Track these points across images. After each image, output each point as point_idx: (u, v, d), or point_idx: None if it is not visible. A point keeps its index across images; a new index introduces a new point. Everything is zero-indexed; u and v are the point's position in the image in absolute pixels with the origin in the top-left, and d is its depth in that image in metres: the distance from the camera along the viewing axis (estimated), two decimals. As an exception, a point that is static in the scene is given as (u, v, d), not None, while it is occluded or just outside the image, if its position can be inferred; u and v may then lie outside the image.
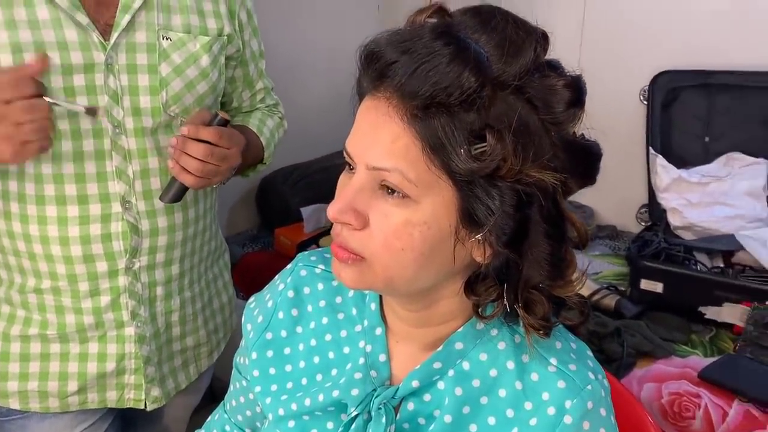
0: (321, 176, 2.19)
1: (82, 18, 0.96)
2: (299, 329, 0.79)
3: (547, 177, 0.59)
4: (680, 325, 1.54)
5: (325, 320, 0.78)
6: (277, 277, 0.84)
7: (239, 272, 1.93)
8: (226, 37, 1.12)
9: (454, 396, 0.69)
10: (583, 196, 2.10)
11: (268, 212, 2.16)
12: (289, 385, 0.78)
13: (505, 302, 0.65)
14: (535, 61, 0.60)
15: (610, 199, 2.06)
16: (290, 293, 0.80)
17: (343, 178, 0.66)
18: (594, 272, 1.79)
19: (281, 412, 0.77)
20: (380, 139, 0.60)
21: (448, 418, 0.69)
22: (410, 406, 0.72)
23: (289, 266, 0.83)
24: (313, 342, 0.78)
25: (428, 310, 0.70)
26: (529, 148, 0.59)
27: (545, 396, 0.67)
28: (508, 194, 0.59)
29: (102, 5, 0.99)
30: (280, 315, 0.80)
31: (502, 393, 0.69)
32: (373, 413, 0.71)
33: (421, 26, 0.61)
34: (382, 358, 0.73)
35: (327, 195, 2.45)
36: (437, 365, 0.70)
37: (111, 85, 1.00)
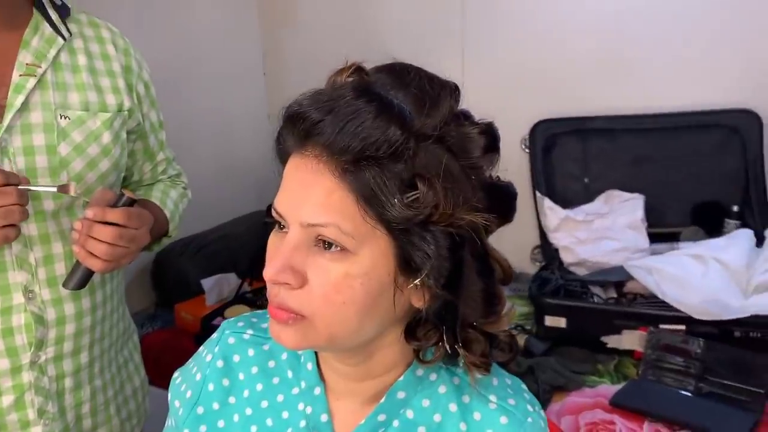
0: (218, 245, 2.14)
1: None
2: (232, 399, 0.76)
3: (477, 218, 0.61)
4: (586, 357, 1.60)
5: (259, 386, 0.76)
6: (202, 347, 0.80)
7: (141, 354, 1.83)
8: (126, 112, 1.09)
9: None
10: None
11: (165, 287, 2.07)
12: None
13: (446, 344, 0.66)
14: (451, 112, 0.63)
15: (505, 243, 2.10)
16: (219, 363, 0.77)
17: (273, 239, 0.65)
18: (499, 315, 1.84)
19: None
20: (313, 195, 0.60)
21: None
22: None
23: (215, 335, 0.80)
24: (248, 411, 0.75)
25: (368, 363, 0.69)
26: (456, 192, 0.61)
27: None
28: (442, 238, 0.61)
29: None
30: (210, 387, 0.77)
31: None
32: None
33: (341, 86, 0.62)
34: (324, 418, 0.72)
35: (226, 264, 2.41)
36: (381, 417, 0.70)
37: (6, 169, 0.94)
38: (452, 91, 0.64)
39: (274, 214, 0.64)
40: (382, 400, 0.70)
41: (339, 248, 0.61)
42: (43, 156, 0.98)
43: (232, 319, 0.80)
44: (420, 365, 0.70)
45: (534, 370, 1.50)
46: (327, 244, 0.61)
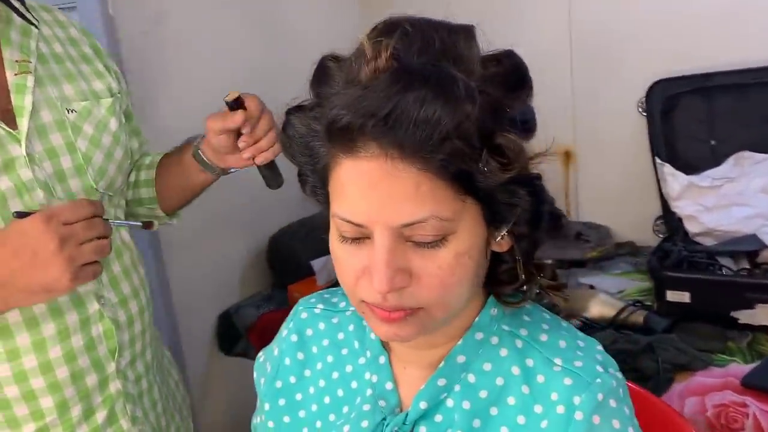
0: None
1: None
2: (308, 372, 0.79)
3: (543, 154, 0.63)
4: (714, 334, 1.47)
5: (330, 359, 0.78)
6: (282, 326, 0.82)
7: (257, 333, 1.90)
8: (119, 94, 1.06)
9: (463, 411, 0.68)
10: (598, 216, 2.07)
11: (279, 270, 2.14)
12: (305, 430, 0.77)
13: (521, 275, 0.67)
14: (479, 57, 0.62)
15: (625, 215, 2.03)
16: (293, 337, 0.80)
17: (343, 250, 0.63)
18: (618, 290, 1.74)
19: None
20: (399, 194, 0.57)
21: None
22: (422, 430, 0.70)
23: (291, 312, 0.81)
24: (321, 383, 0.77)
25: (441, 329, 0.68)
26: (520, 136, 0.61)
27: (554, 396, 0.65)
28: (525, 184, 0.61)
29: None
30: (287, 361, 0.80)
31: (511, 401, 0.67)
32: None
33: (379, 79, 0.58)
34: (389, 386, 0.72)
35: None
36: (441, 382, 0.69)
37: (39, 177, 0.90)
38: (472, 33, 0.63)
39: (345, 225, 0.60)
40: (441, 364, 0.69)
41: (440, 237, 0.60)
42: (66, 156, 0.94)
43: (306, 296, 0.81)
44: (504, 306, 0.69)
45: (654, 348, 1.40)
46: (426, 244, 0.60)
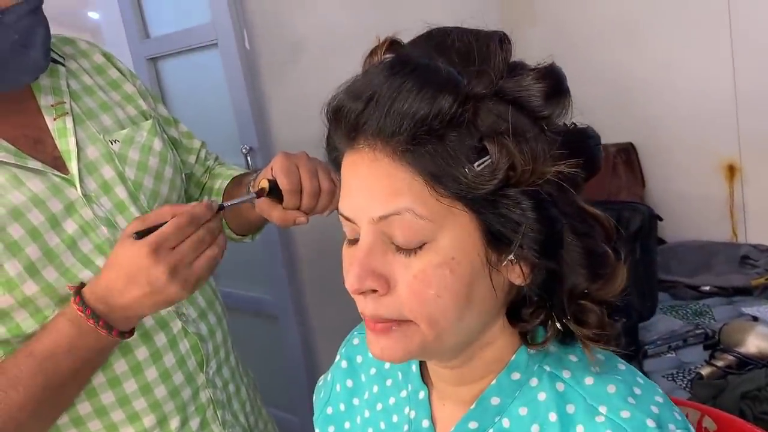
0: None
1: (35, 163, 0.88)
2: (356, 401, 0.76)
3: (561, 168, 0.54)
4: None
5: (375, 389, 0.75)
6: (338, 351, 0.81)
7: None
8: (153, 117, 1.06)
9: None
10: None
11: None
12: None
13: (555, 320, 0.59)
14: (505, 62, 0.57)
15: None
16: (344, 364, 0.78)
17: (346, 251, 0.61)
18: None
19: None
20: (377, 185, 0.56)
21: None
22: None
23: (346, 338, 0.80)
24: (366, 413, 0.74)
25: (469, 364, 0.63)
26: (532, 146, 0.54)
27: None
28: (526, 199, 0.54)
29: (38, 142, 0.91)
30: (338, 388, 0.78)
31: None
32: None
33: (377, 67, 0.57)
34: (425, 423, 0.67)
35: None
36: (473, 425, 0.63)
37: (99, 214, 0.92)
38: (501, 39, 0.58)
39: (342, 221, 0.60)
40: (473, 406, 0.62)
41: (419, 244, 0.55)
42: (120, 186, 0.95)
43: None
44: (529, 348, 0.61)
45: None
46: (406, 250, 0.56)
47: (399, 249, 0.56)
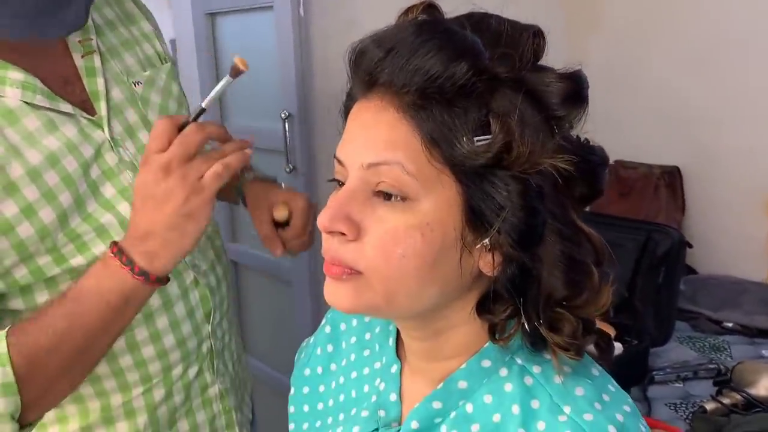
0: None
1: (66, 106, 0.86)
2: (333, 366, 0.77)
3: (557, 162, 0.53)
4: None
5: (353, 357, 0.75)
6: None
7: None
8: (169, 60, 1.03)
9: None
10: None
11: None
12: (318, 423, 0.76)
13: (523, 321, 0.56)
14: (533, 55, 0.57)
15: None
16: (327, 329, 0.79)
17: (332, 195, 0.61)
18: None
19: None
20: (375, 132, 0.56)
21: None
22: None
23: None
24: (341, 380, 0.75)
25: (438, 340, 0.62)
26: (534, 138, 0.54)
27: None
28: (516, 185, 0.53)
29: (68, 82, 0.89)
30: (318, 351, 0.79)
31: None
32: None
33: (409, 22, 0.57)
34: (393, 397, 0.67)
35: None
36: (437, 405, 0.62)
37: (125, 159, 0.90)
38: (536, 33, 0.57)
39: (335, 164, 0.60)
40: (439, 386, 0.62)
41: (399, 198, 0.55)
42: (143, 131, 0.93)
43: None
44: (494, 345, 0.60)
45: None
46: (386, 195, 0.56)
47: (379, 196, 0.56)
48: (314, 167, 1.94)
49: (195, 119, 0.82)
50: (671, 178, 2.05)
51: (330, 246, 0.58)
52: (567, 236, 0.55)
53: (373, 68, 0.56)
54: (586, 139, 0.59)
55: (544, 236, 0.55)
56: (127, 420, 0.96)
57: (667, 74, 2.02)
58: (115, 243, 0.80)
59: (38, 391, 0.79)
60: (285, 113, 1.89)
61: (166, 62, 1.03)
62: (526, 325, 0.56)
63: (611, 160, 2.09)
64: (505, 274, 0.56)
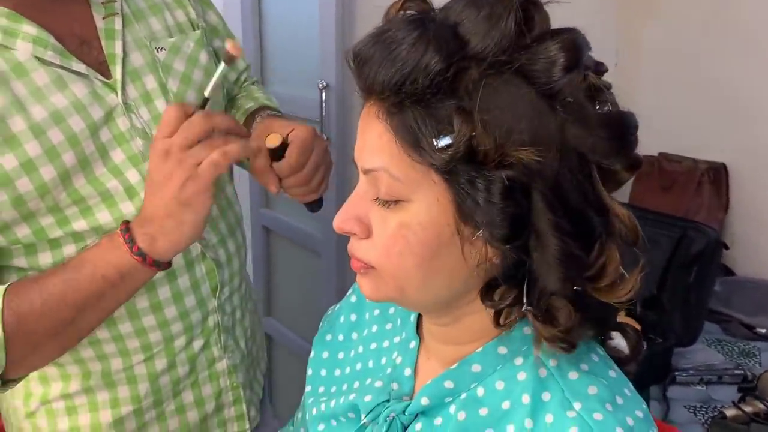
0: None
1: (79, 66, 0.85)
2: (354, 335, 0.80)
3: (525, 155, 0.50)
4: None
5: (374, 328, 0.78)
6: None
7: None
8: (201, 24, 1.01)
9: (456, 421, 0.62)
10: None
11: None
12: (333, 389, 0.78)
13: (525, 308, 0.56)
14: (519, 29, 0.53)
15: None
16: (353, 298, 0.82)
17: None
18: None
19: (314, 412, 0.77)
20: (368, 140, 0.58)
21: None
22: (418, 426, 0.65)
23: None
24: (360, 349, 0.78)
25: (456, 326, 0.64)
26: (506, 124, 0.51)
27: None
28: (496, 181, 0.52)
29: (84, 43, 0.87)
30: (342, 319, 0.82)
31: (510, 429, 0.59)
32: (379, 424, 0.68)
33: (392, 22, 0.56)
34: (407, 372, 0.69)
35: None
36: (449, 384, 0.63)
37: (137, 125, 0.89)
38: (521, 4, 0.53)
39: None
40: (453, 366, 0.63)
41: (393, 201, 0.57)
42: (161, 99, 0.91)
43: None
44: (497, 328, 0.59)
45: None
46: (383, 200, 0.58)
47: (379, 201, 0.58)
48: (348, 139, 1.94)
49: (201, 108, 0.82)
50: (716, 174, 1.98)
51: (351, 243, 0.62)
52: (564, 228, 0.53)
53: (364, 76, 0.55)
54: (608, 108, 0.55)
55: (537, 230, 0.53)
56: (129, 385, 0.97)
57: (720, 67, 1.94)
58: (126, 221, 0.82)
59: (23, 351, 0.81)
60: (322, 83, 1.88)
61: (197, 29, 1.01)
62: (529, 314, 0.56)
63: (655, 153, 2.07)
64: (504, 263, 0.56)
